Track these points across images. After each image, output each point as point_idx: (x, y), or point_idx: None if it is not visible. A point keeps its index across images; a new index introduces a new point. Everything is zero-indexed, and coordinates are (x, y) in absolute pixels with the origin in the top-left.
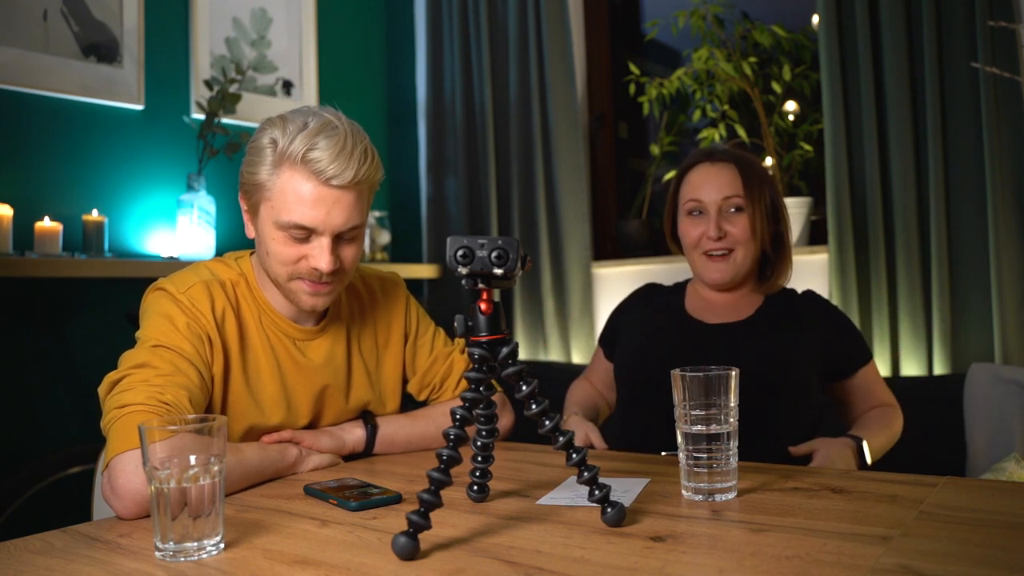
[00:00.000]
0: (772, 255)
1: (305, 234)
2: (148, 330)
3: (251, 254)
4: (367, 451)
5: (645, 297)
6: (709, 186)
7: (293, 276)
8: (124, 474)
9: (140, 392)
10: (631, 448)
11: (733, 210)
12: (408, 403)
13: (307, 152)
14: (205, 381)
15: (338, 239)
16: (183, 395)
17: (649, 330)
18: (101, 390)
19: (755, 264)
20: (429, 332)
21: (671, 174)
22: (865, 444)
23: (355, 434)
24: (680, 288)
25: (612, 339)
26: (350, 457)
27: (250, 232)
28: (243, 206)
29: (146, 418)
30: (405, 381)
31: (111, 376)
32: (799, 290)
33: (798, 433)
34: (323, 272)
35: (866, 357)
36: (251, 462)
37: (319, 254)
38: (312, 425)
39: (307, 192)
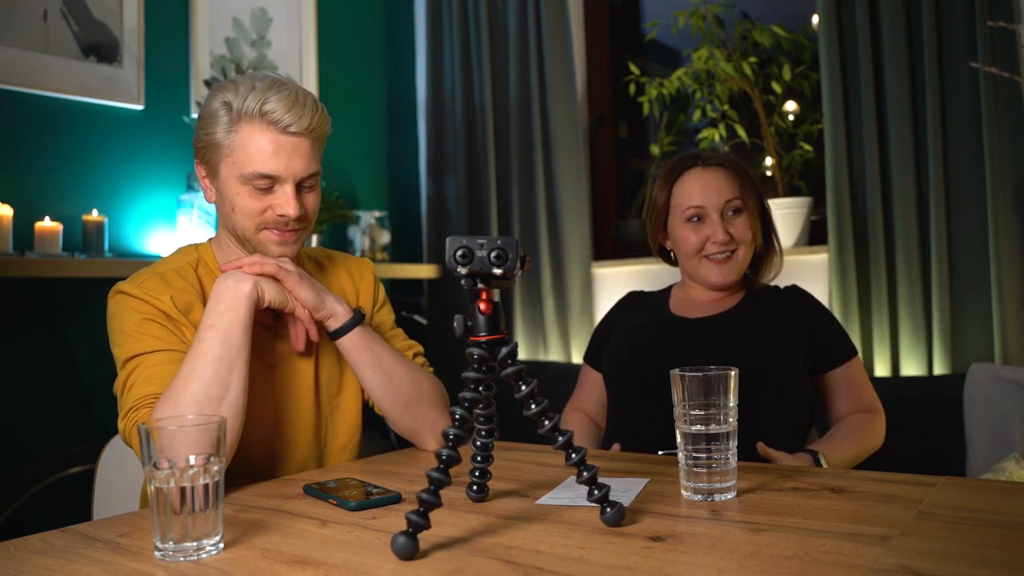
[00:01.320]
0: (762, 253)
1: (269, 183)
2: (114, 348)
3: (210, 241)
4: (342, 330)
5: (628, 304)
6: (709, 191)
7: (260, 227)
8: None
9: (120, 418)
10: (626, 446)
11: (732, 212)
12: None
13: (263, 106)
14: (182, 351)
15: (299, 188)
16: (141, 388)
17: (634, 330)
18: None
19: (748, 264)
20: (391, 316)
21: None
22: (823, 459)
23: (342, 305)
24: (664, 291)
25: (599, 349)
26: (338, 451)
27: (209, 196)
28: (200, 172)
29: (131, 425)
30: None
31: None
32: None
33: (790, 421)
34: (290, 218)
35: (850, 352)
36: (211, 352)
37: (284, 201)
38: (292, 391)
39: (267, 142)
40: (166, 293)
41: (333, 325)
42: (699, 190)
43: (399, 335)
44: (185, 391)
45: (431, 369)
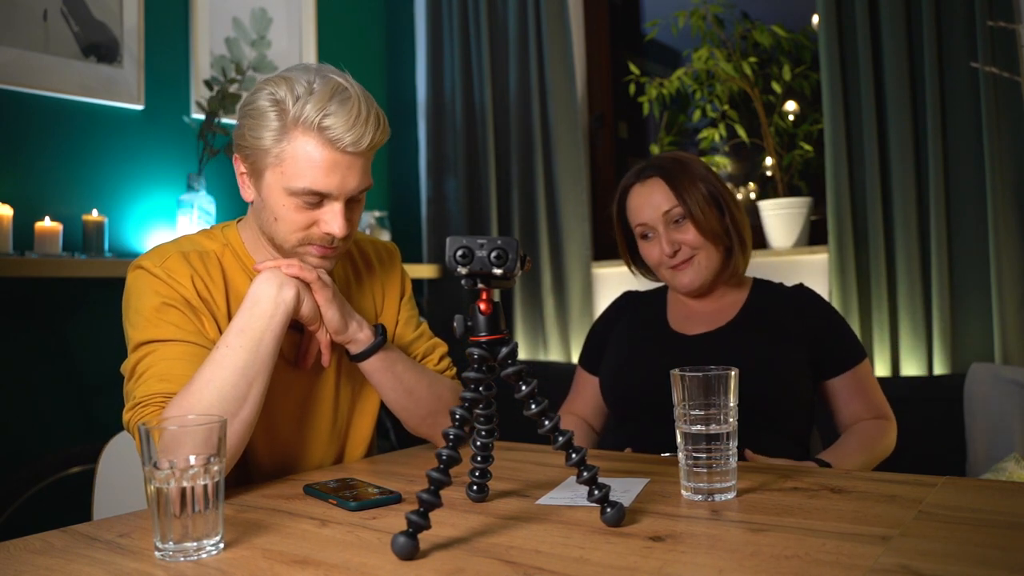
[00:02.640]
0: (733, 244)
1: (318, 199)
2: (128, 327)
3: (238, 222)
4: (362, 355)
5: (625, 308)
6: (647, 208)
7: (303, 242)
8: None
9: (126, 409)
10: None
11: (677, 220)
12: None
13: (322, 119)
14: (198, 343)
15: (348, 201)
16: (152, 383)
17: (632, 347)
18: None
19: (723, 261)
20: (415, 310)
21: None
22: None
23: (364, 331)
24: (661, 295)
25: (596, 354)
26: (351, 461)
27: (247, 195)
28: (240, 168)
29: (137, 420)
30: None
31: (124, 391)
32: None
33: (790, 436)
34: (336, 237)
35: (858, 356)
36: (235, 362)
37: (332, 219)
38: (314, 392)
39: (321, 159)
40: (189, 277)
41: (354, 349)
42: (639, 208)
43: (424, 333)
44: (200, 401)
45: (454, 370)
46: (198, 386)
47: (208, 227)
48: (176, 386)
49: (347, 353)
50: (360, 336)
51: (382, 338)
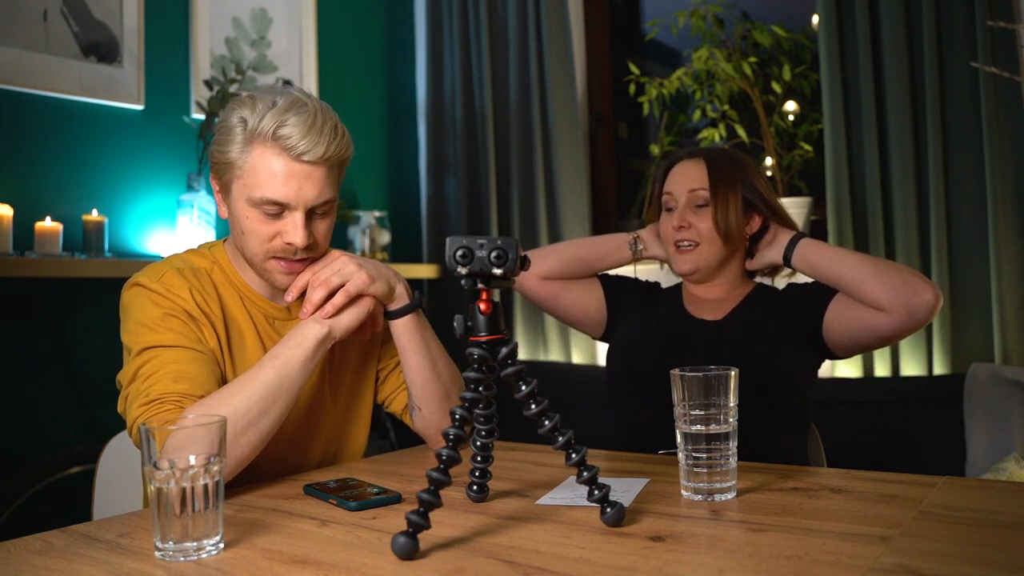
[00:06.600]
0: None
1: (278, 210)
2: (128, 337)
3: (224, 241)
4: (399, 312)
5: (649, 292)
6: (678, 180)
7: (268, 255)
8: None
9: (136, 406)
10: (626, 445)
11: (700, 204)
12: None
13: (277, 129)
14: (202, 351)
15: (311, 214)
16: (167, 383)
17: (644, 327)
18: (119, 409)
19: (724, 260)
20: None
21: None
22: (805, 242)
23: (403, 286)
24: (676, 287)
25: (619, 282)
26: (350, 461)
27: (223, 212)
28: (215, 186)
29: (151, 415)
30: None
31: (120, 397)
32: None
33: (790, 424)
34: (297, 247)
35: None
36: (264, 379)
37: (292, 229)
38: (311, 404)
39: (279, 168)
40: (187, 290)
41: (392, 307)
42: (673, 177)
43: None
44: (226, 408)
45: None
46: (227, 394)
47: (196, 246)
48: (192, 386)
49: (384, 311)
50: (400, 289)
51: (418, 301)
